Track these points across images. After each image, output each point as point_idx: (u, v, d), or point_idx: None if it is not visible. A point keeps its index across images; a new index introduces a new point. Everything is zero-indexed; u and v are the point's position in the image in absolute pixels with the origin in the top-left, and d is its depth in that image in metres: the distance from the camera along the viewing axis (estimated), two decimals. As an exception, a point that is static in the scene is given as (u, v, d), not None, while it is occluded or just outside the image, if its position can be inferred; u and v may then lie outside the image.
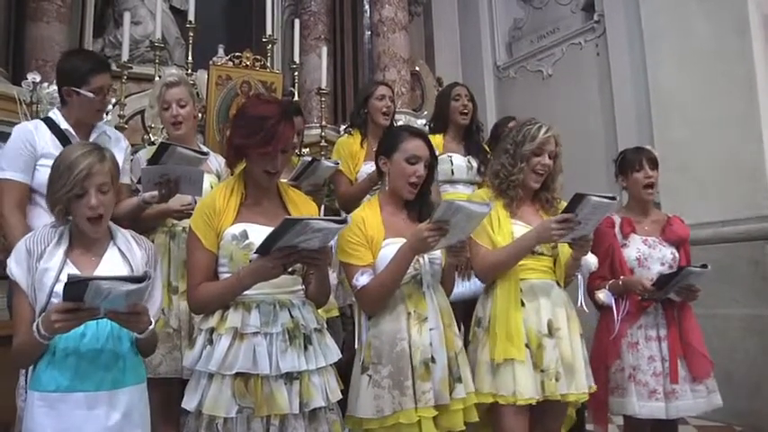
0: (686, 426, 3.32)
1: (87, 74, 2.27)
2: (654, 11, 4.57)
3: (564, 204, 2.26)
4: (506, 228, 2.18)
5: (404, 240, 1.96)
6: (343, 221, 1.66)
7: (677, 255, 2.55)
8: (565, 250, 2.22)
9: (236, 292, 1.73)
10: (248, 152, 1.78)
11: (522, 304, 2.13)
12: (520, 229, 2.19)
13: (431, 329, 1.96)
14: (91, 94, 2.27)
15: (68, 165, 1.63)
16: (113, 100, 3.70)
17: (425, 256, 2.01)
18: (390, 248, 1.96)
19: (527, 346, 2.09)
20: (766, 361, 3.62)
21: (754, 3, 3.98)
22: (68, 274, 1.49)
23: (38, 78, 3.58)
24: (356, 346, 1.99)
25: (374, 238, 1.99)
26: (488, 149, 3.26)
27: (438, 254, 2.04)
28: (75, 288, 1.40)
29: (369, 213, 2.05)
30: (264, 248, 1.63)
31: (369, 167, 2.99)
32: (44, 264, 1.61)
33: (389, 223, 2.03)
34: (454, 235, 1.89)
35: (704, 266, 2.36)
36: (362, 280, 1.93)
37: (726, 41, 4.03)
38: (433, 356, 1.93)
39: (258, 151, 1.75)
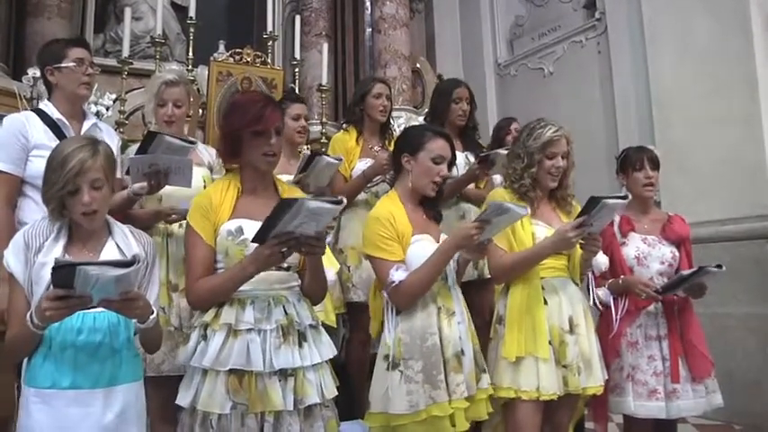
0: (686, 424, 3.31)
1: (63, 48, 2.32)
2: (655, 9, 4.55)
3: (576, 203, 2.32)
4: (528, 229, 2.21)
5: (429, 236, 2.02)
6: (338, 202, 1.62)
7: (677, 253, 2.54)
8: (577, 248, 2.24)
9: (237, 282, 1.71)
10: (243, 134, 1.79)
11: (545, 302, 2.17)
12: (541, 230, 2.22)
13: (458, 323, 2.00)
14: (72, 64, 2.29)
15: (60, 161, 1.61)
16: (108, 95, 3.70)
17: None
18: (419, 245, 1.99)
19: (549, 342, 2.13)
20: (767, 359, 3.62)
21: (755, 1, 3.96)
22: (55, 259, 1.46)
23: (38, 74, 3.57)
24: (387, 342, 1.97)
25: (404, 233, 2.00)
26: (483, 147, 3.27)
27: None
28: (64, 274, 1.37)
29: (395, 209, 2.05)
30: (261, 236, 1.62)
31: (363, 164, 2.97)
32: (42, 258, 1.59)
33: (413, 220, 2.05)
34: (485, 233, 1.94)
35: (719, 266, 2.35)
36: (398, 275, 1.93)
37: (727, 40, 4.01)
38: (462, 349, 1.97)
39: (252, 129, 1.77)
